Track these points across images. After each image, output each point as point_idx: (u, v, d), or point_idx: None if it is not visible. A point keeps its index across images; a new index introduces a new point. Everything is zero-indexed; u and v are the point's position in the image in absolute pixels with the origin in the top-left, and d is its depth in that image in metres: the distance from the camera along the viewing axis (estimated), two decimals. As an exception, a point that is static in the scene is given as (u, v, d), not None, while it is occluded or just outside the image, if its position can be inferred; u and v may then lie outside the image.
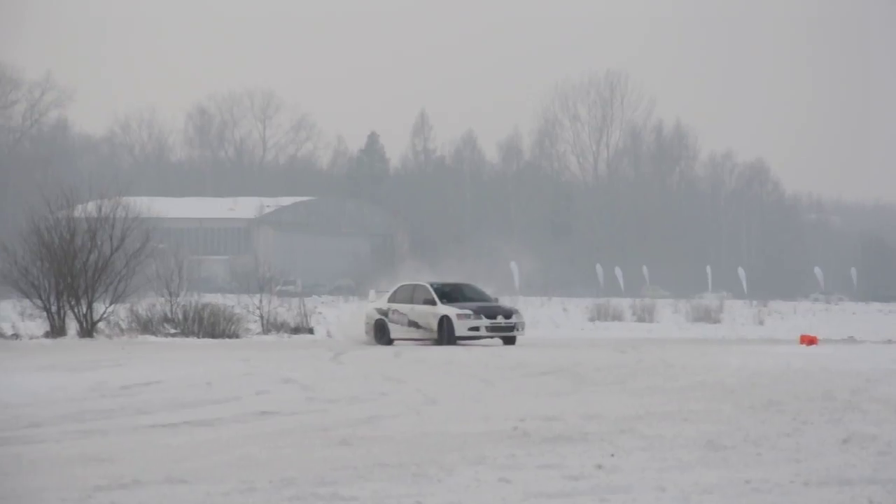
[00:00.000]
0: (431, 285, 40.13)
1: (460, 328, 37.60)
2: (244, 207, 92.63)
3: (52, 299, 41.66)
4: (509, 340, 38.35)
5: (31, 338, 42.05)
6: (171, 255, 47.92)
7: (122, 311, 42.28)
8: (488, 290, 42.28)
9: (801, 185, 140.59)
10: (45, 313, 41.88)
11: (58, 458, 14.37)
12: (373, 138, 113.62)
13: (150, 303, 43.59)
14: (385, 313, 40.26)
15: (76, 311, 41.50)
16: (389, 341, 39.61)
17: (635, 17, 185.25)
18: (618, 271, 78.91)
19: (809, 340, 38.65)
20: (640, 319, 56.01)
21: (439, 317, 38.19)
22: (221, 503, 11.45)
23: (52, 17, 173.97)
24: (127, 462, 13.86)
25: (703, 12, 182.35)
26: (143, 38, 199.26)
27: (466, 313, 37.75)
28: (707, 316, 57.32)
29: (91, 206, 42.83)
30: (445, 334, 37.81)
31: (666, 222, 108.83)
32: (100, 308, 42.25)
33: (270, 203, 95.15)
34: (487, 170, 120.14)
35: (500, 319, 37.85)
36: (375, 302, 42.45)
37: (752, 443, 15.05)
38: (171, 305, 42.94)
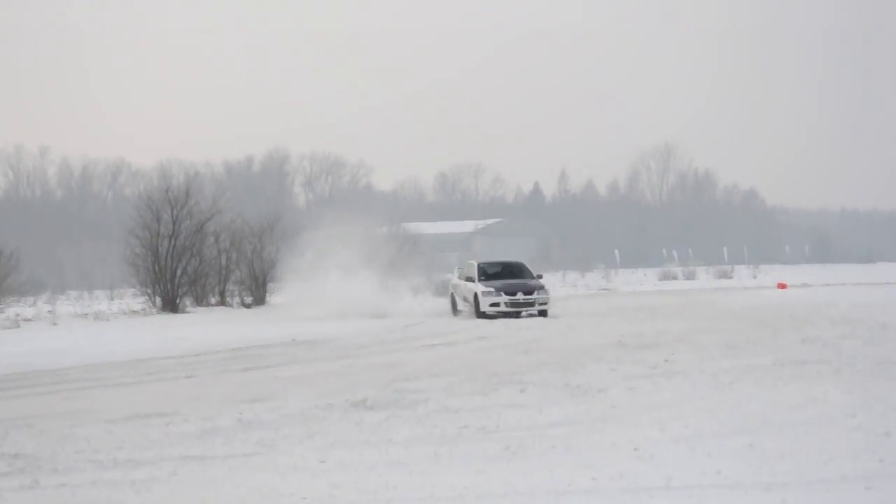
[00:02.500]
0: (479, 265, 38.91)
1: (484, 304, 36.00)
2: (467, 226, 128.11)
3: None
4: (541, 313, 35.82)
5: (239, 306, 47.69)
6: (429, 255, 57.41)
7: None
8: (575, 267, 44.85)
9: (779, 200, 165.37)
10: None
11: (372, 365, 20.26)
12: (536, 185, 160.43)
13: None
14: (455, 289, 39.75)
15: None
16: (457, 312, 38.95)
17: (682, 94, 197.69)
18: (674, 252, 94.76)
19: (782, 286, 55.79)
20: (688, 278, 76.44)
21: (473, 293, 36.93)
22: (458, 389, 16.05)
23: None
24: (409, 365, 19.86)
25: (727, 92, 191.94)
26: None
27: (489, 290, 36.17)
28: (725, 275, 78.24)
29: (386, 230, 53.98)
30: (476, 308, 36.48)
31: (701, 224, 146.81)
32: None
33: (481, 223, 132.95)
34: (600, 199, 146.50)
35: (519, 296, 35.69)
36: (453, 280, 41.73)
37: (750, 343, 21.60)
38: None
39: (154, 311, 43.40)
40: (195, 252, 45.75)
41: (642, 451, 10.65)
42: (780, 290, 51.58)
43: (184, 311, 43.32)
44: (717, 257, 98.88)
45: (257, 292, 48.02)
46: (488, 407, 14.20)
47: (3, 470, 10.79)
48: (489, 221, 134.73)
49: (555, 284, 37.12)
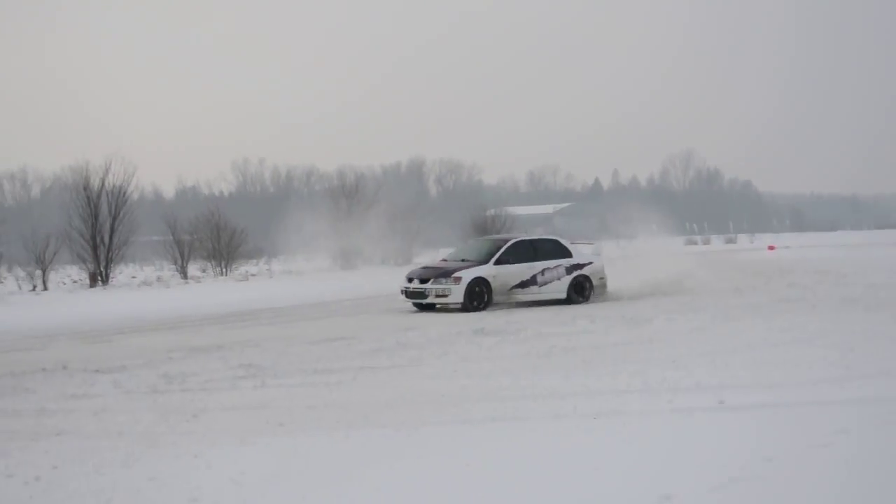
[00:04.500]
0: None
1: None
2: (547, 209, 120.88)
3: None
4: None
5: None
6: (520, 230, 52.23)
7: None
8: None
9: (767, 187, 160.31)
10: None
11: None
12: (597, 180, 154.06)
13: None
14: None
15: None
16: None
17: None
18: (694, 226, 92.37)
19: (771, 248, 54.25)
20: (704, 244, 73.31)
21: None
22: (547, 322, 16.39)
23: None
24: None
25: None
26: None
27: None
28: (730, 241, 78.61)
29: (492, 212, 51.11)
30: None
31: (712, 205, 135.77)
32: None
33: (558, 206, 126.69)
34: (642, 189, 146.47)
35: (415, 283, 19.90)
36: None
37: (750, 288, 21.58)
38: None
39: (336, 268, 43.86)
40: (362, 227, 46.25)
41: (678, 362, 10.55)
42: (770, 252, 50.85)
43: (355, 268, 43.73)
44: (724, 228, 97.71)
45: (406, 254, 48.28)
46: (569, 333, 14.16)
47: (241, 374, 10.99)
48: (564, 205, 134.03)
49: (607, 247, 34.42)
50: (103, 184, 36.41)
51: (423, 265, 22.13)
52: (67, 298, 28.38)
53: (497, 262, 19.99)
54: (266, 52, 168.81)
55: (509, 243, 20.56)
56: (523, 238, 21.05)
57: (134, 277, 39.83)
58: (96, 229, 35.58)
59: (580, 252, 21.20)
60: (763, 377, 9.40)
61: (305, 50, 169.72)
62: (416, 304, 20.18)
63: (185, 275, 38.54)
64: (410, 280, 20.15)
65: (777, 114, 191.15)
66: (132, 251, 40.21)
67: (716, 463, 6.31)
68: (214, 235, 40.49)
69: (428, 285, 19.69)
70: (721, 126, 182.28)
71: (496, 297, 19.71)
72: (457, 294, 19.33)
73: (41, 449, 7.32)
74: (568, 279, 20.52)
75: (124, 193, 36.93)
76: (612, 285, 21.53)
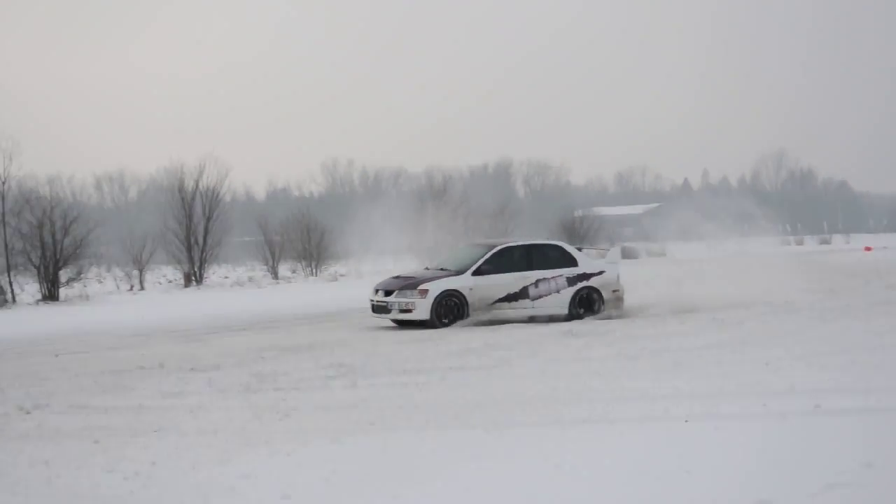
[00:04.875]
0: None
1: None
2: (637, 209, 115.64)
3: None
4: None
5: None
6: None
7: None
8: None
9: (864, 187, 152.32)
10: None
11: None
12: (686, 180, 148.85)
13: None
14: None
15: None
16: None
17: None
18: (787, 226, 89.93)
19: (867, 249, 53.01)
20: (798, 244, 71.97)
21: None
22: (636, 323, 16.49)
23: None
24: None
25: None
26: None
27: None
28: (825, 242, 76.92)
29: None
30: None
31: (806, 206, 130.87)
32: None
33: (647, 206, 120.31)
34: (732, 189, 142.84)
35: (380, 295, 17.45)
36: None
37: (847, 289, 21.18)
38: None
39: (423, 268, 43.84)
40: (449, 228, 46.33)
41: (772, 365, 10.35)
42: (866, 252, 49.68)
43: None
44: (819, 229, 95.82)
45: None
46: (658, 334, 13.99)
47: (332, 374, 11.10)
48: (653, 205, 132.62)
49: (698, 248, 32.84)
50: (197, 186, 37.21)
51: (397, 274, 19.37)
52: (163, 298, 29.04)
53: (477, 273, 17.18)
54: (355, 55, 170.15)
55: (494, 250, 17.62)
56: (513, 244, 17.95)
57: (226, 277, 40.49)
58: (190, 230, 36.34)
59: (589, 261, 18.13)
60: (861, 381, 9.15)
61: (394, 53, 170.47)
62: (394, 321, 17.26)
63: (275, 275, 39.11)
64: (377, 291, 17.68)
65: (873, 112, 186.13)
66: (225, 252, 40.93)
67: (813, 468, 6.16)
68: (304, 236, 40.99)
69: (391, 298, 17.11)
70: (814, 125, 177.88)
71: (475, 313, 16.92)
72: (422, 309, 16.72)
73: (140, 445, 7.47)
74: (570, 292, 17.54)
75: (217, 195, 37.71)
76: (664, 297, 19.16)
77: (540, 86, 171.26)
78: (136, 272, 35.67)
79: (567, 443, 7.04)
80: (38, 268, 29.55)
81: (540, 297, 17.35)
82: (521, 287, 17.30)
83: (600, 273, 17.88)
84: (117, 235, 38.73)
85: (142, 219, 48.91)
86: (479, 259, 17.42)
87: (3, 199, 29.95)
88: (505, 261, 17.45)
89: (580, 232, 48.74)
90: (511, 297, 17.22)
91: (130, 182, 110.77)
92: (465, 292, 16.94)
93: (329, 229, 42.33)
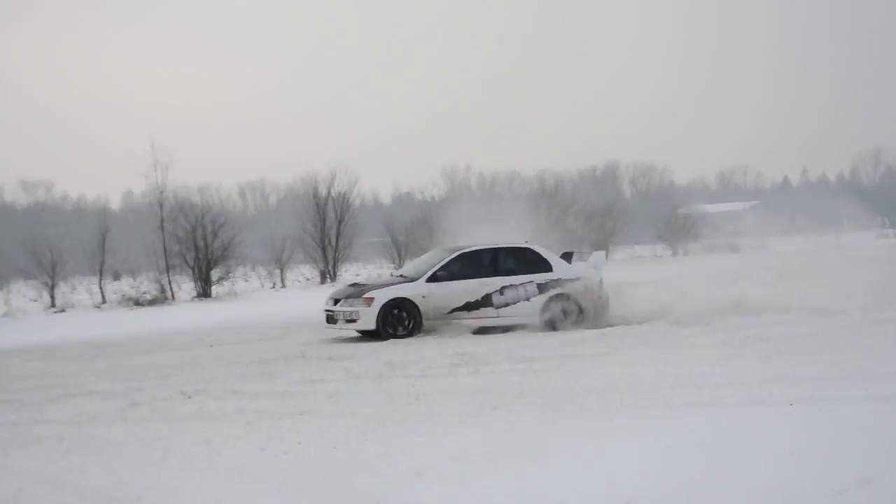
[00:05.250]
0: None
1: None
2: (737, 206, 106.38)
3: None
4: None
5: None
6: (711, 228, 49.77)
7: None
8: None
9: None
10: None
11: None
12: (786, 177, 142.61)
13: None
14: None
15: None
16: None
17: None
18: (886, 220, 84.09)
19: None
20: None
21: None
22: (738, 314, 16.38)
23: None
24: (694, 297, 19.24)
25: None
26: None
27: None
28: None
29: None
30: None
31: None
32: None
33: (748, 203, 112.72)
34: (830, 185, 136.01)
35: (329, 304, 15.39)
36: None
37: None
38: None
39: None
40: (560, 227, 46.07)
41: (874, 351, 10.03)
42: None
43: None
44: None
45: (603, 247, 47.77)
46: (761, 324, 13.60)
47: (457, 362, 11.17)
48: (753, 202, 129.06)
49: (798, 242, 30.34)
50: (330, 192, 37.89)
51: (354, 282, 16.97)
52: (302, 294, 29.66)
53: (431, 279, 14.89)
54: (469, 65, 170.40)
55: (453, 255, 15.24)
56: (476, 248, 15.35)
57: (357, 275, 40.97)
58: (324, 233, 37.03)
59: (567, 266, 15.51)
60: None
61: (504, 61, 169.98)
62: (359, 332, 14.79)
63: (402, 272, 39.47)
64: (330, 300, 15.51)
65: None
66: (356, 252, 41.55)
67: (916, 449, 5.97)
68: (427, 236, 41.28)
69: (337, 307, 14.95)
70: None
71: (430, 323, 14.67)
72: (367, 319, 14.47)
73: (287, 427, 7.67)
74: (541, 299, 15.06)
75: (348, 200, 38.33)
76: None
77: (643, 89, 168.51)
78: (277, 271, 36.54)
79: (677, 425, 6.97)
80: (192, 268, 30.60)
81: (506, 305, 14.94)
82: (483, 294, 14.92)
83: (577, 279, 15.36)
84: (260, 238, 39.63)
85: (281, 223, 49.98)
86: (435, 265, 15.19)
87: (161, 206, 31.07)
88: (465, 267, 15.09)
89: (684, 229, 47.89)
90: (472, 306, 14.86)
91: (270, 190, 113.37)
92: (416, 300, 14.66)
93: (450, 229, 42.53)
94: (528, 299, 14.99)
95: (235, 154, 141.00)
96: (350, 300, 14.74)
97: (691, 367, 9.62)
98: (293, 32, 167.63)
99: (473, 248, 15.31)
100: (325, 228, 37.16)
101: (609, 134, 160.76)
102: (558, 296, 15.09)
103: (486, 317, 14.85)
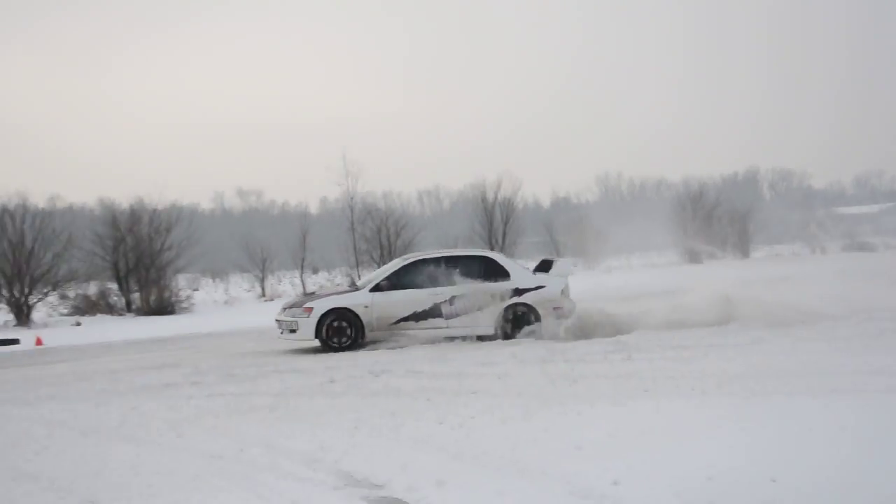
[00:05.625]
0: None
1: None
2: (873, 209, 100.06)
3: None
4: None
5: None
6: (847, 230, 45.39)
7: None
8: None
9: None
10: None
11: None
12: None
13: None
14: None
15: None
16: None
17: None
18: None
19: None
20: None
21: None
22: None
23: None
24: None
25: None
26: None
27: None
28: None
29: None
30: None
31: None
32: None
33: (884, 206, 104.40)
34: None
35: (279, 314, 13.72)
36: None
37: None
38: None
39: (684, 262, 42.27)
40: (705, 229, 44.27)
41: None
42: None
43: (699, 262, 41.99)
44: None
45: (743, 251, 45.92)
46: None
47: (611, 349, 10.95)
48: (889, 204, 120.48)
49: None
50: (496, 197, 38.08)
51: (310, 291, 13.73)
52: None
53: (375, 289, 13.06)
54: (611, 71, 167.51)
55: (402, 265, 13.37)
56: (426, 256, 13.52)
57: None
58: (491, 233, 37.28)
59: (527, 275, 13.35)
60: None
61: (647, 66, 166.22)
62: (323, 342, 12.89)
63: (559, 268, 39.19)
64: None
65: None
66: (519, 250, 41.61)
67: None
68: (581, 237, 40.90)
69: (281, 317, 13.29)
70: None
71: (373, 334, 12.91)
72: (306, 329, 12.78)
73: (461, 403, 7.77)
74: (495, 309, 13.02)
75: (512, 204, 38.41)
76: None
77: (787, 97, 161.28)
78: (452, 268, 37.01)
79: (816, 410, 6.66)
80: (377, 263, 31.41)
81: (457, 315, 12.97)
82: (431, 304, 13.00)
83: (538, 288, 13.19)
84: (435, 238, 40.27)
85: (454, 225, 50.57)
86: (382, 274, 13.48)
87: (352, 210, 32.16)
88: (413, 276, 13.15)
89: (822, 229, 45.40)
90: (420, 316, 12.97)
91: (444, 195, 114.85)
92: (358, 311, 12.90)
93: (603, 230, 41.98)
94: (480, 309, 13.01)
95: (414, 163, 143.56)
96: (292, 310, 13.10)
97: (831, 358, 9.14)
98: (447, 59, 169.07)
99: (424, 257, 13.52)
100: (493, 229, 37.40)
101: (749, 140, 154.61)
102: (514, 305, 13.06)
103: (434, 327, 12.98)
